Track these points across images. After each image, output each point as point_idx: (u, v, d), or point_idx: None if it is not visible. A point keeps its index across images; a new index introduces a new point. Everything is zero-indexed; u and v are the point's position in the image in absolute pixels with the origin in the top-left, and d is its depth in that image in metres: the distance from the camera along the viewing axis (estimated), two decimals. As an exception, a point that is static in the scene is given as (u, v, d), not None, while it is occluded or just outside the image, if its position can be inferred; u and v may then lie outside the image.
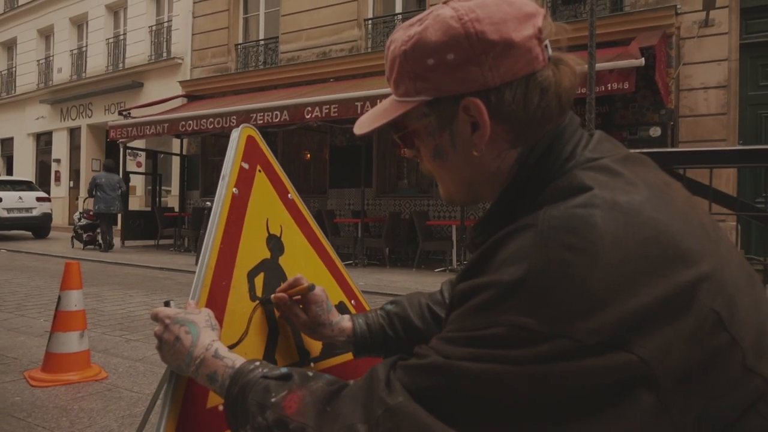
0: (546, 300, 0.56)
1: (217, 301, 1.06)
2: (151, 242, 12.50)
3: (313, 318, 1.04)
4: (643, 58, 6.73)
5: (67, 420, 2.35)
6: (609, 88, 6.87)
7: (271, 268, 1.21)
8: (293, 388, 0.75)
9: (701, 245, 0.60)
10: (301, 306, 1.06)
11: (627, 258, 0.56)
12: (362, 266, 9.08)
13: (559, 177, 0.66)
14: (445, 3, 0.72)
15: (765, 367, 0.60)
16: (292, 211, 1.34)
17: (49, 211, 14.07)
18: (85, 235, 11.36)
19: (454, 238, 8.43)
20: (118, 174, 11.56)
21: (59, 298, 2.89)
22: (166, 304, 0.98)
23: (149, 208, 13.68)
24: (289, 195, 1.35)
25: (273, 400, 0.74)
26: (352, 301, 1.41)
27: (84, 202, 12.26)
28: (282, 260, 1.25)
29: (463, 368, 0.58)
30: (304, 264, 1.31)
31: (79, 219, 11.45)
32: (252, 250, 1.18)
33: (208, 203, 9.79)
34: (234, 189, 1.19)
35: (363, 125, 0.80)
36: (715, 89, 8.56)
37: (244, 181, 1.23)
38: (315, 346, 1.21)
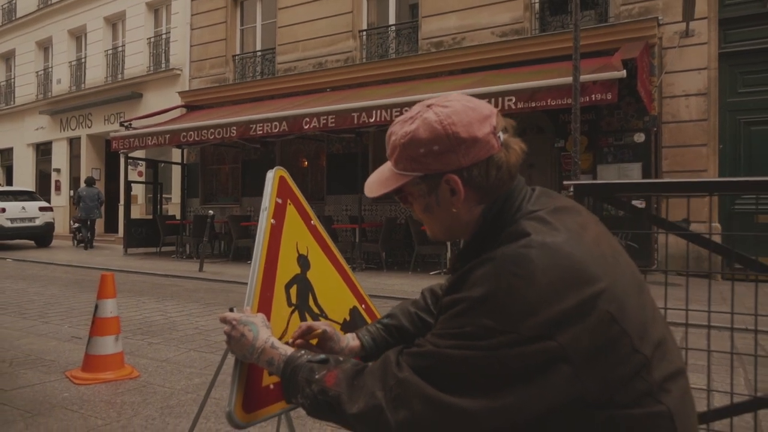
0: (500, 309, 0.89)
1: (264, 307, 1.40)
2: (153, 249, 12.80)
3: (328, 352, 1.30)
4: (624, 71, 7.10)
5: (114, 411, 2.69)
6: (593, 99, 7.23)
7: (301, 281, 1.56)
8: (330, 368, 1.09)
9: (601, 269, 0.94)
10: (315, 342, 1.33)
11: (551, 281, 0.90)
12: (360, 270, 9.41)
13: (511, 225, 1.01)
14: (428, 107, 1.06)
15: (646, 348, 0.94)
16: (314, 234, 1.69)
17: (52, 221, 14.35)
18: (79, 236, 14.26)
19: (448, 242, 8.78)
20: (98, 187, 14.35)
21: (96, 306, 3.22)
22: (231, 310, 1.32)
23: (150, 217, 13.99)
24: (312, 221, 1.70)
25: (317, 376, 1.08)
26: (363, 305, 1.76)
27: (75, 210, 14.53)
28: (309, 274, 1.60)
29: (448, 354, 0.92)
30: (325, 277, 1.66)
31: (72, 224, 14.73)
32: (287, 268, 1.53)
33: (210, 212, 10.09)
34: (272, 220, 1.53)
35: (373, 190, 1.12)
36: (696, 96, 8.94)
37: (279, 213, 1.58)
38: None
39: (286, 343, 1.33)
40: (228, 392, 1.26)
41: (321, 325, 1.34)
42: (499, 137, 1.03)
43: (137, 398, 2.88)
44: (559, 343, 0.86)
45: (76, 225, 14.32)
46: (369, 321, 1.66)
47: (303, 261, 1.60)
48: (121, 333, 3.31)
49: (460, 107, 1.03)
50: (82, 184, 14.27)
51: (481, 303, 0.90)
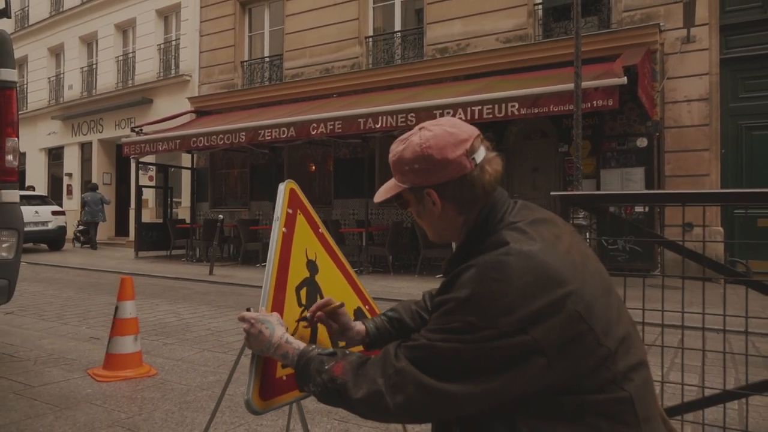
0: (482, 308, 1.05)
1: (277, 308, 1.57)
2: (164, 253, 13.02)
3: (342, 326, 1.52)
4: (625, 78, 7.23)
5: (136, 406, 2.87)
6: (594, 105, 7.36)
7: (310, 284, 1.73)
8: (338, 360, 1.25)
9: (571, 274, 1.10)
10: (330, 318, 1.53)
11: (526, 284, 1.06)
12: (367, 273, 9.57)
13: (493, 234, 1.17)
14: (419, 129, 1.23)
15: (610, 342, 1.09)
16: (322, 241, 1.86)
17: (64, 224, 14.66)
18: (82, 238, 15.57)
19: (453, 245, 8.91)
20: (100, 192, 15.64)
21: (116, 308, 3.41)
22: (248, 310, 1.49)
23: (161, 220, 14.23)
24: (320, 229, 1.87)
25: (326, 367, 1.24)
26: (366, 306, 1.92)
27: (80, 214, 16.03)
28: (317, 277, 1.77)
29: (438, 346, 1.08)
30: (332, 280, 1.83)
31: (77, 226, 15.78)
32: (297, 272, 1.69)
33: (220, 216, 10.30)
34: (283, 229, 1.70)
35: (378, 196, 1.31)
36: (698, 101, 9.05)
37: (290, 222, 1.75)
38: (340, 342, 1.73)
39: (305, 316, 1.53)
40: (242, 389, 1.43)
41: (337, 300, 1.53)
42: (473, 159, 1.20)
43: (156, 394, 3.07)
44: (533, 337, 1.01)
45: (81, 228, 15.52)
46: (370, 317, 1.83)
47: (312, 266, 1.77)
48: (139, 333, 3.50)
49: (440, 132, 1.21)
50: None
51: (465, 302, 1.05)
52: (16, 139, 3.65)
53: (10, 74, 3.68)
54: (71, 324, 5.04)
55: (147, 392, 3.09)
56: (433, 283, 8.10)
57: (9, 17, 4.01)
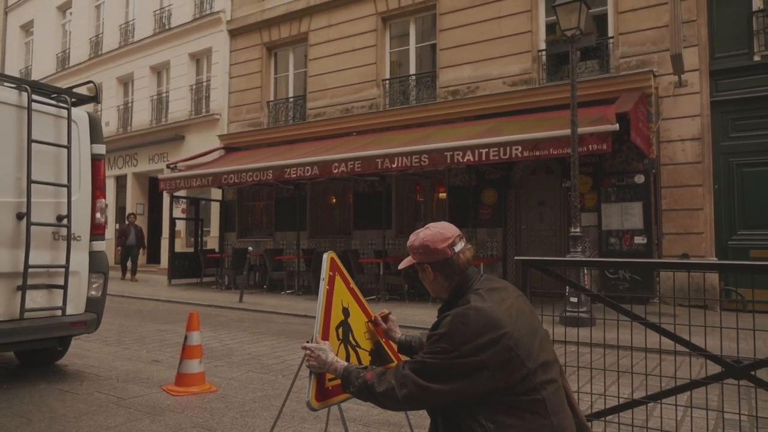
0: (452, 339, 1.85)
1: (325, 340, 2.38)
2: (194, 280, 13.94)
3: (389, 327, 2.48)
4: (617, 125, 8.00)
5: (207, 413, 3.67)
6: (590, 149, 8.15)
7: (344, 325, 2.54)
8: (369, 370, 2.05)
9: (507, 322, 1.88)
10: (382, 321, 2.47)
11: (478, 326, 1.85)
12: (384, 301, 10.33)
13: (464, 295, 1.97)
14: (425, 228, 2.06)
15: (530, 364, 1.87)
16: (352, 293, 2.68)
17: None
18: None
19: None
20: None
21: (185, 337, 4.25)
22: (307, 342, 2.30)
23: (192, 250, 15.19)
24: (351, 285, 2.69)
25: (361, 374, 2.04)
26: (384, 339, 2.72)
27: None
28: (349, 320, 2.58)
29: (427, 361, 1.87)
30: (358, 321, 2.63)
31: None
32: (336, 317, 2.51)
33: (249, 247, 11.17)
34: (327, 287, 2.52)
35: (401, 265, 2.15)
36: (691, 141, 9.77)
37: (331, 281, 2.57)
38: (365, 362, 2.53)
39: (368, 319, 2.59)
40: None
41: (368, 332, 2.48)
42: (453, 249, 2.02)
43: (221, 405, 3.87)
44: (482, 358, 1.80)
45: None
46: (386, 348, 2.62)
47: (345, 311, 2.58)
48: (203, 357, 4.33)
49: (435, 231, 2.05)
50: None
51: (443, 336, 1.85)
52: (104, 200, 4.56)
53: (100, 148, 4.62)
54: (132, 349, 5.90)
55: (213, 403, 3.91)
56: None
57: (99, 102, 4.95)
